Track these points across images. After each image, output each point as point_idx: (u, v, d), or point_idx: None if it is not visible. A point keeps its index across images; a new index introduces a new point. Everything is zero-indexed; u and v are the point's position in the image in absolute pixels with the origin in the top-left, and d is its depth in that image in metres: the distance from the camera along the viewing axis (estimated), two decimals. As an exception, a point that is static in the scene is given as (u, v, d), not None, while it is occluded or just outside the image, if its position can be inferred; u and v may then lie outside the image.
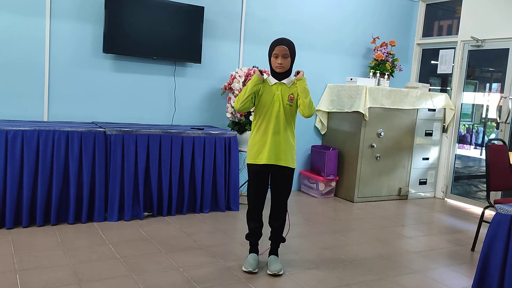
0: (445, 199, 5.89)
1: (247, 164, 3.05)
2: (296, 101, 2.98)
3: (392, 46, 5.87)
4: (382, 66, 5.74)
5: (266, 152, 2.93)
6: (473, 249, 3.82)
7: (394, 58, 5.86)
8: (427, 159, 5.80)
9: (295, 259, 3.32)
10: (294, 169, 3.04)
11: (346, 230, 4.23)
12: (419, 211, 5.16)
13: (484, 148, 3.74)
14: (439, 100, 5.72)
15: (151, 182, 4.02)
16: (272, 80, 2.99)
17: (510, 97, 5.17)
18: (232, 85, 4.69)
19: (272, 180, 3.03)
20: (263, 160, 2.95)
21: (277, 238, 3.12)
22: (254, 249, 3.13)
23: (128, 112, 4.58)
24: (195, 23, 4.67)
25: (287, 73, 2.99)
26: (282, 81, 2.98)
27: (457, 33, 5.80)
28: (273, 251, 3.13)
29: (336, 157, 5.39)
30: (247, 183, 3.15)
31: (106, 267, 2.93)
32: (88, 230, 3.62)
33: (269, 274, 2.98)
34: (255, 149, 2.98)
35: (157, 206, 4.10)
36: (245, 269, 3.00)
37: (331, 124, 5.65)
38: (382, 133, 5.32)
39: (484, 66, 5.84)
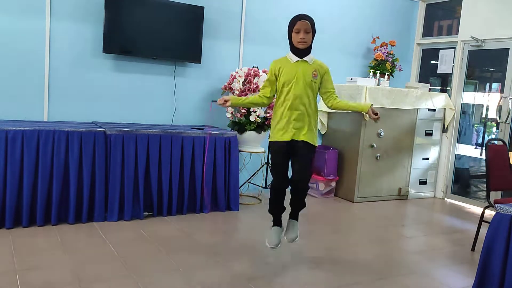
0: (445, 199, 5.89)
1: (270, 142, 3.04)
2: (321, 81, 2.98)
3: (392, 46, 5.87)
4: (382, 66, 5.74)
5: (289, 129, 2.91)
6: (473, 249, 3.82)
7: (394, 58, 5.86)
8: (427, 159, 5.80)
9: (295, 259, 3.31)
10: (315, 146, 3.02)
11: (346, 230, 4.23)
12: (419, 211, 5.16)
13: (484, 148, 3.73)
14: (439, 100, 5.72)
15: (151, 182, 4.02)
16: (293, 58, 2.94)
17: (510, 97, 5.17)
18: (232, 85, 4.68)
19: (294, 155, 2.99)
20: (285, 137, 2.93)
21: (297, 202, 3.09)
22: (277, 222, 3.13)
23: (128, 112, 4.58)
24: (195, 23, 4.68)
25: (308, 49, 2.95)
26: (304, 59, 2.94)
27: (457, 33, 5.81)
28: (293, 215, 3.14)
29: (336, 157, 5.39)
30: (270, 161, 3.10)
31: (106, 267, 2.93)
32: (88, 230, 3.62)
33: (287, 241, 3.09)
34: (279, 127, 2.95)
35: (157, 206, 4.10)
36: (268, 245, 3.06)
37: (331, 124, 5.65)
38: (382, 133, 5.32)
39: (484, 66, 5.84)
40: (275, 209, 3.11)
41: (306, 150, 2.97)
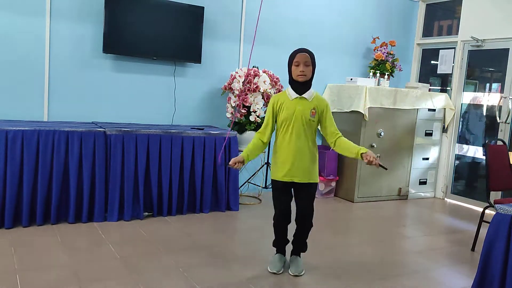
0: (445, 199, 5.89)
1: (271, 179, 3.01)
2: (319, 119, 2.93)
3: (392, 46, 5.87)
4: (382, 66, 5.74)
5: (289, 169, 2.88)
6: (473, 249, 3.82)
7: (394, 58, 5.86)
8: (427, 159, 5.80)
9: (295, 259, 3.31)
10: (317, 183, 3.00)
11: (346, 230, 4.23)
12: (419, 211, 5.16)
13: (484, 148, 3.74)
14: (439, 100, 5.72)
15: (151, 182, 4.02)
16: (292, 94, 2.89)
17: (510, 97, 5.17)
18: (232, 85, 4.68)
19: (295, 193, 2.99)
20: (286, 177, 2.90)
21: (300, 238, 3.08)
22: (280, 250, 3.12)
23: (128, 112, 4.58)
24: (195, 23, 4.68)
25: (307, 84, 2.89)
26: (303, 96, 2.88)
27: (457, 33, 5.81)
28: (295, 251, 3.12)
29: (336, 157, 5.39)
30: (272, 194, 3.06)
31: (106, 267, 2.93)
32: (88, 230, 3.62)
33: (291, 275, 3.00)
34: (278, 165, 2.93)
35: (157, 206, 4.10)
36: (270, 270, 3.01)
37: (331, 124, 5.64)
38: (382, 133, 5.32)
39: (484, 66, 5.84)
40: (279, 241, 3.10)
41: (307, 190, 2.96)
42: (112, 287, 2.65)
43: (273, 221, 3.06)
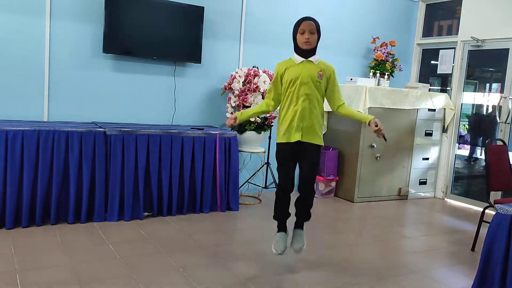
0: (445, 199, 5.89)
1: (277, 143, 2.99)
2: (326, 84, 2.95)
3: (392, 46, 5.87)
4: (382, 66, 5.74)
5: (295, 130, 2.88)
6: (473, 249, 3.82)
7: (394, 58, 5.86)
8: (427, 159, 5.80)
9: (295, 259, 3.31)
10: (321, 146, 2.99)
11: (346, 230, 4.23)
12: (419, 211, 5.16)
13: (484, 148, 3.75)
14: (439, 100, 5.72)
15: (151, 182, 4.02)
16: (298, 59, 2.92)
17: (510, 97, 5.17)
18: (232, 85, 4.69)
19: (300, 156, 2.95)
20: (291, 138, 2.89)
21: (303, 207, 3.06)
22: (282, 227, 3.08)
23: (128, 112, 4.58)
24: (195, 23, 4.68)
25: (313, 51, 2.92)
26: (309, 59, 2.91)
27: (457, 33, 5.80)
28: (298, 224, 3.09)
29: (336, 157, 5.39)
30: (276, 161, 3.03)
31: (106, 267, 2.93)
32: (88, 230, 3.62)
33: (294, 249, 3.02)
34: (284, 128, 2.92)
35: (157, 206, 4.10)
36: (274, 251, 2.99)
37: (331, 124, 5.65)
38: (382, 133, 5.31)
39: (484, 66, 5.84)
40: (280, 214, 3.06)
41: (312, 152, 2.94)
42: (112, 287, 2.65)
43: (276, 190, 3.03)
